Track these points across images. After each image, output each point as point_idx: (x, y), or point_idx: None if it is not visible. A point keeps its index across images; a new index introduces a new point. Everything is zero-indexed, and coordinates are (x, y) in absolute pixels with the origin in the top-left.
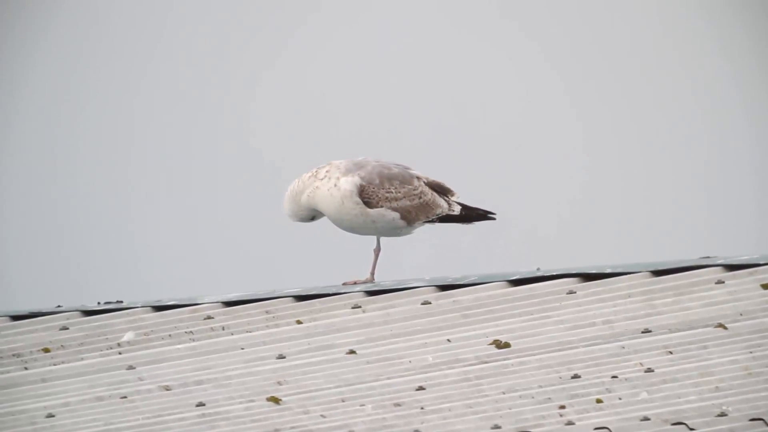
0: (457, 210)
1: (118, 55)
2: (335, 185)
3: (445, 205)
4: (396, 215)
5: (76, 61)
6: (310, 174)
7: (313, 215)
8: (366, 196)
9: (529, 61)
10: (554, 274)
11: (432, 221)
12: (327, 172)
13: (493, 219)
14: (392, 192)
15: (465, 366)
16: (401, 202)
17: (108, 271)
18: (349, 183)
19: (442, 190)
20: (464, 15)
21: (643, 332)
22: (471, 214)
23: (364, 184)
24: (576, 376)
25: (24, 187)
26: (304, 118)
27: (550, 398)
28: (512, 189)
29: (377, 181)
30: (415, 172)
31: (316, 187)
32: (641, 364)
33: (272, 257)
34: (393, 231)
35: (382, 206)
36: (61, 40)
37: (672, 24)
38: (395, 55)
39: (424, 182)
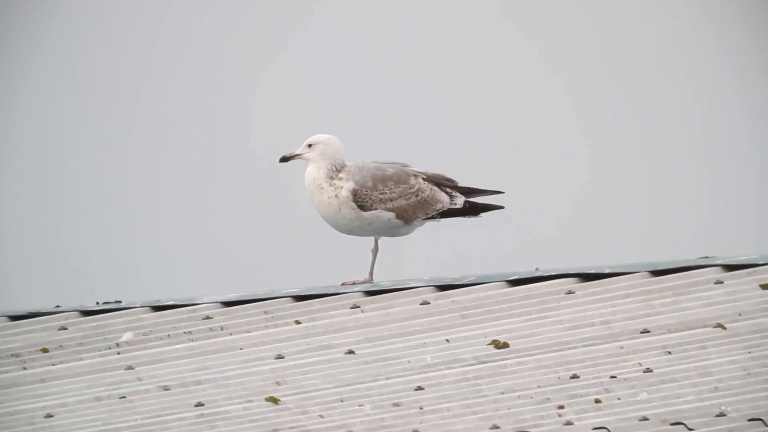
0: (460, 203)
1: (117, 55)
2: (336, 195)
3: (446, 199)
4: (391, 215)
5: (76, 60)
6: (329, 167)
7: None
8: (359, 199)
9: (528, 61)
10: (553, 274)
11: (433, 218)
12: (340, 179)
13: (501, 208)
14: (386, 193)
15: (464, 366)
16: (396, 202)
17: (107, 271)
18: (345, 190)
19: (445, 182)
20: (464, 15)
21: (641, 332)
22: (476, 207)
23: (357, 188)
24: (575, 377)
25: (23, 187)
26: (304, 118)
27: (548, 398)
28: (511, 189)
29: (370, 184)
30: (413, 169)
31: (321, 187)
32: (640, 364)
33: (271, 257)
34: (391, 231)
35: (376, 208)
36: (61, 40)
37: (672, 24)
38: (395, 55)
39: (423, 178)
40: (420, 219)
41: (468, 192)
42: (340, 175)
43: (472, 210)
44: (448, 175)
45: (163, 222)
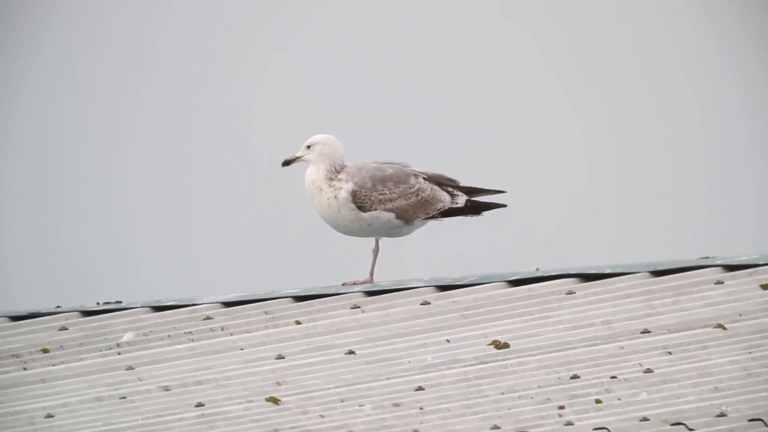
0: (461, 202)
1: (117, 55)
2: (335, 197)
3: (447, 198)
4: (391, 215)
5: (76, 60)
6: (327, 169)
7: None
8: (359, 200)
9: (528, 61)
10: (553, 274)
11: (434, 217)
12: (339, 180)
13: (504, 206)
14: (386, 193)
15: (464, 366)
16: (396, 203)
17: (107, 271)
18: (344, 191)
19: (446, 181)
20: (464, 15)
21: (642, 332)
22: (478, 205)
23: (356, 189)
24: (575, 377)
25: (23, 187)
26: (304, 118)
27: (549, 398)
28: (511, 189)
29: (369, 185)
30: (413, 169)
31: (320, 189)
32: (640, 364)
33: (271, 257)
34: (391, 231)
35: (376, 209)
36: (61, 40)
37: (672, 24)
38: (395, 55)
39: (423, 178)
40: (421, 219)
41: (469, 191)
42: (340, 176)
43: (474, 209)
44: (449, 176)
45: (163, 222)
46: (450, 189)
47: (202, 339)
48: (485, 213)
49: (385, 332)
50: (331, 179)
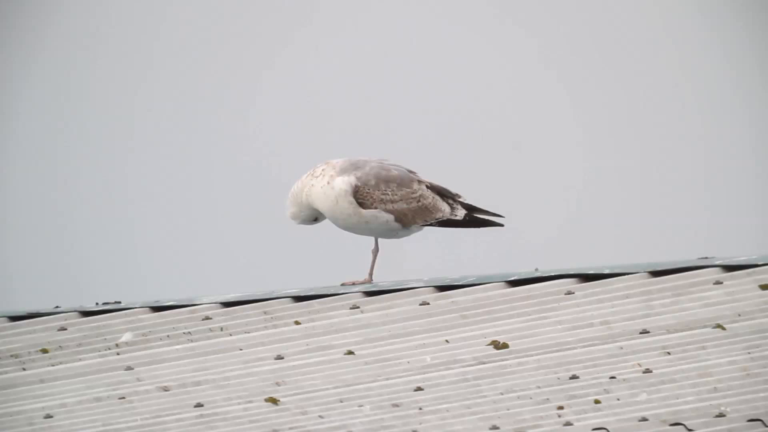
0: (460, 215)
1: (117, 55)
2: (328, 183)
3: (446, 209)
4: (390, 217)
5: (76, 61)
6: (308, 174)
7: (315, 216)
8: (360, 196)
9: (528, 61)
10: (552, 274)
11: (431, 225)
12: (323, 170)
13: (501, 225)
14: (388, 194)
15: (463, 366)
16: (397, 205)
17: (106, 271)
18: (344, 183)
19: (448, 194)
20: (464, 15)
21: (641, 333)
22: (476, 220)
23: (359, 184)
24: (574, 377)
25: (23, 187)
26: (303, 119)
27: (548, 399)
28: (511, 189)
29: (373, 183)
30: (416, 175)
31: (312, 185)
32: (639, 364)
33: (271, 258)
34: (388, 232)
35: (376, 208)
36: (61, 40)
37: (672, 24)
38: (394, 56)
39: (426, 186)
40: (419, 225)
41: (468, 209)
42: (319, 170)
43: (472, 223)
44: (451, 190)
45: (163, 222)
46: (450, 201)
47: (201, 339)
48: (482, 229)
49: (385, 332)
50: (311, 176)
